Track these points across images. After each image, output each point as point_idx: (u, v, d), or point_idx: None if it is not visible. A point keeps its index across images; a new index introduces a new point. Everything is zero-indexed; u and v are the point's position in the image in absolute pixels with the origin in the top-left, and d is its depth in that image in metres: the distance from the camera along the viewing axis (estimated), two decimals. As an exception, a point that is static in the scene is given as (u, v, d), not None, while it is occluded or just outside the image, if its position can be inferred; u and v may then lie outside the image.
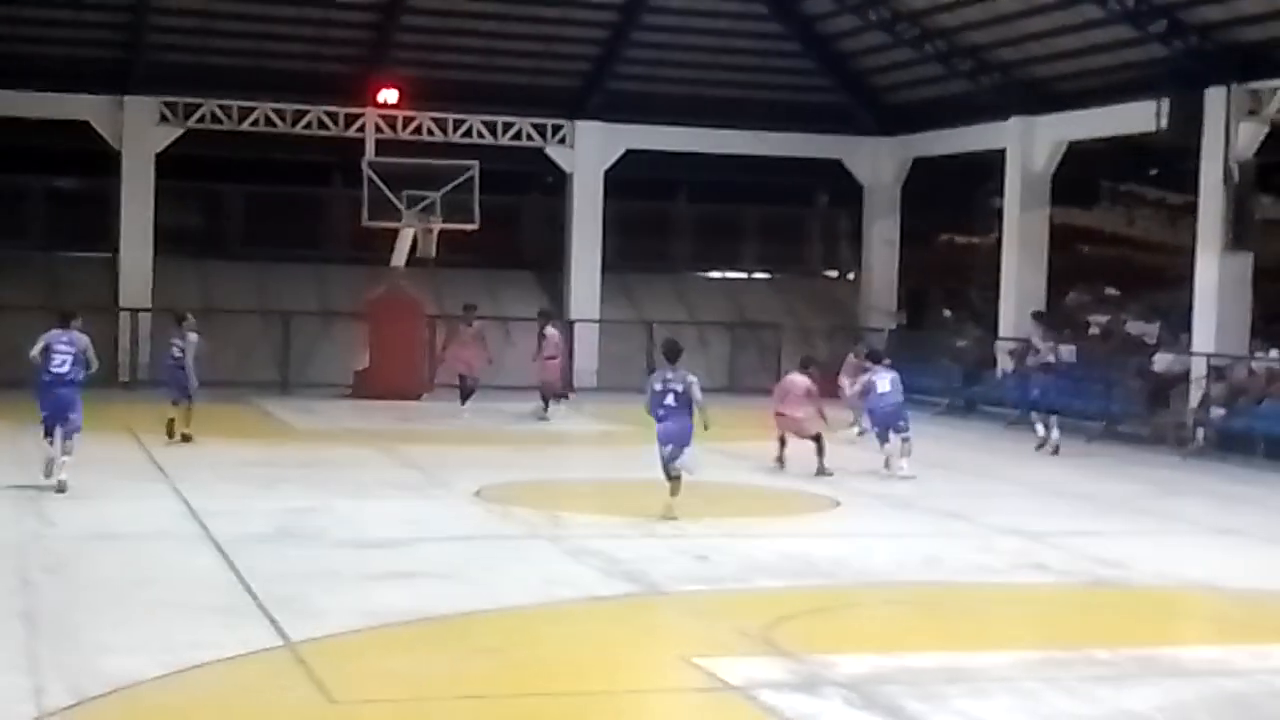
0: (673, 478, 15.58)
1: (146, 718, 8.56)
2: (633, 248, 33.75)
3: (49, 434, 16.21)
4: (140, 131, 29.72)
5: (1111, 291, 30.83)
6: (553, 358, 25.30)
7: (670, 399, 15.61)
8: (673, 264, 34.99)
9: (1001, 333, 28.97)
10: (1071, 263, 31.92)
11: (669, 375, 15.80)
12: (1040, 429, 22.99)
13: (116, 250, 30.01)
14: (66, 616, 10.57)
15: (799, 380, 19.94)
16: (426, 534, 14.37)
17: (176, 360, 20.78)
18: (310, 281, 31.35)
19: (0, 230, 31.18)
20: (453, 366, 25.94)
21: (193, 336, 20.83)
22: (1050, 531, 15.48)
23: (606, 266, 32.26)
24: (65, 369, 16.04)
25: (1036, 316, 25.58)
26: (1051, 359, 23.52)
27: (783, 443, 19.79)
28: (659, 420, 15.70)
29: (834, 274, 36.68)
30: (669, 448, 15.59)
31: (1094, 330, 28.65)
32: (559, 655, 10.12)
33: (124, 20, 29.11)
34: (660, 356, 16.64)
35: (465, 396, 25.08)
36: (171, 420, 20.53)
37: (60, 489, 15.74)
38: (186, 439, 20.41)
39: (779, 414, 19.83)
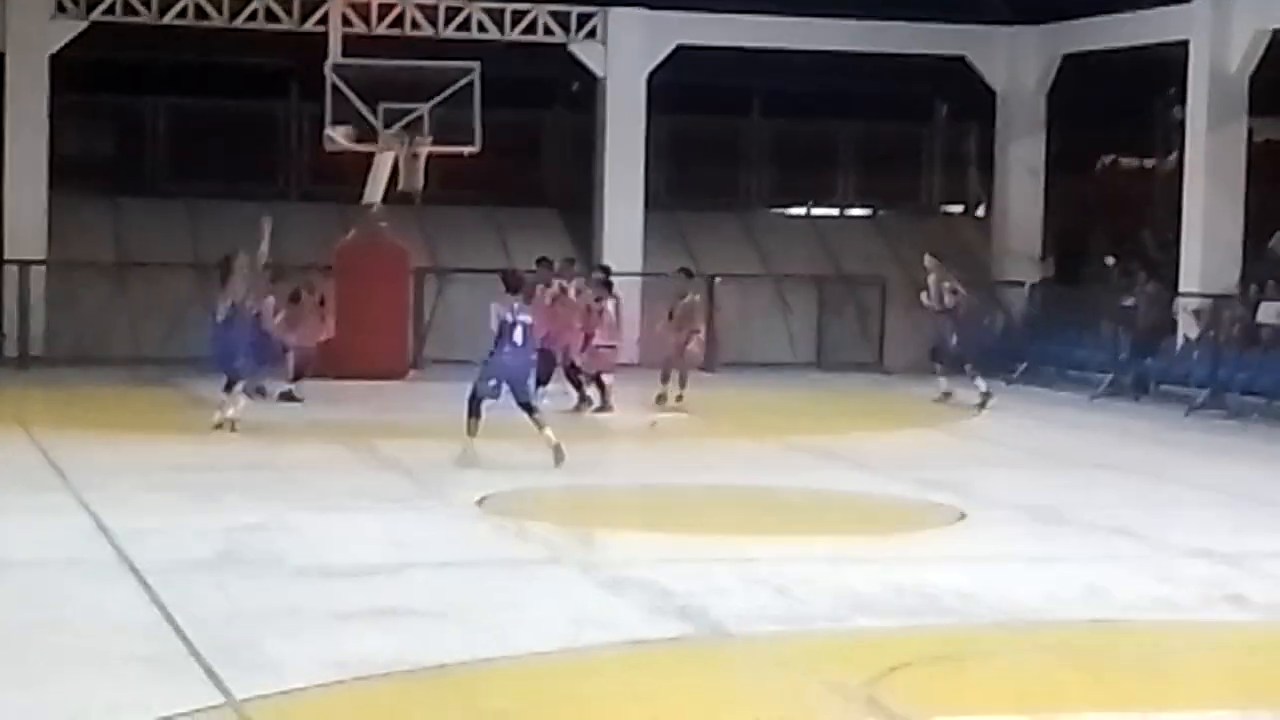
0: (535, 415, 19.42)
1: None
2: (687, 178, 33.79)
3: None
4: (28, 26, 29.91)
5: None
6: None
7: (519, 333, 19.21)
8: (742, 199, 35.00)
9: (1183, 288, 28.86)
10: (1278, 194, 31.75)
11: (516, 306, 19.44)
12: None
13: (-1, 185, 30.21)
14: (-61, 670, 10.67)
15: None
16: (414, 559, 14.43)
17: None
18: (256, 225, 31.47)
19: None
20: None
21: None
22: (1250, 553, 15.42)
23: (652, 203, 32.28)
24: None
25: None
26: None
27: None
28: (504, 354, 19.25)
29: (957, 211, 36.61)
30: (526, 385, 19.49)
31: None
32: (590, 718, 10.15)
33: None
34: (502, 286, 19.66)
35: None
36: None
37: None
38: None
39: None
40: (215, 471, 18.85)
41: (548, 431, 19.37)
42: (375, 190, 28.70)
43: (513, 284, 19.65)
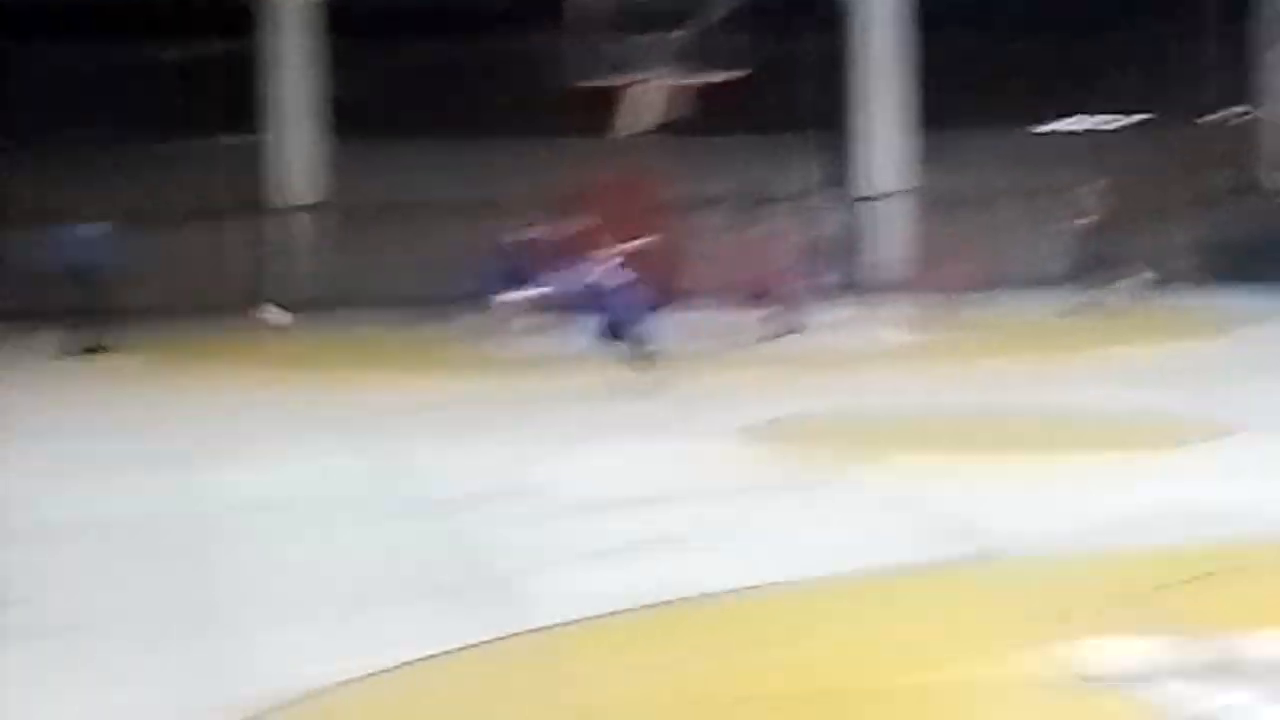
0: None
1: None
2: (950, 94, 33.36)
3: None
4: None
5: None
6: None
7: None
8: (1007, 114, 34.42)
9: None
10: None
11: None
12: None
13: (264, 134, 30.66)
14: (232, 611, 10.94)
15: None
16: (681, 489, 14.48)
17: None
18: (519, 161, 31.74)
19: (98, 115, 32.04)
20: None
21: None
22: None
23: (914, 122, 32.01)
24: None
25: None
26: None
27: None
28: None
29: (1228, 115, 35.78)
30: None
31: None
32: (865, 643, 10.10)
33: None
34: None
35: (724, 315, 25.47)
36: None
37: None
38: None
39: None
40: (479, 407, 19.10)
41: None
42: (631, 123, 28.78)
43: None
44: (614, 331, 20.49)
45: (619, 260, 21.09)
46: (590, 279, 20.86)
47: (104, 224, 24.10)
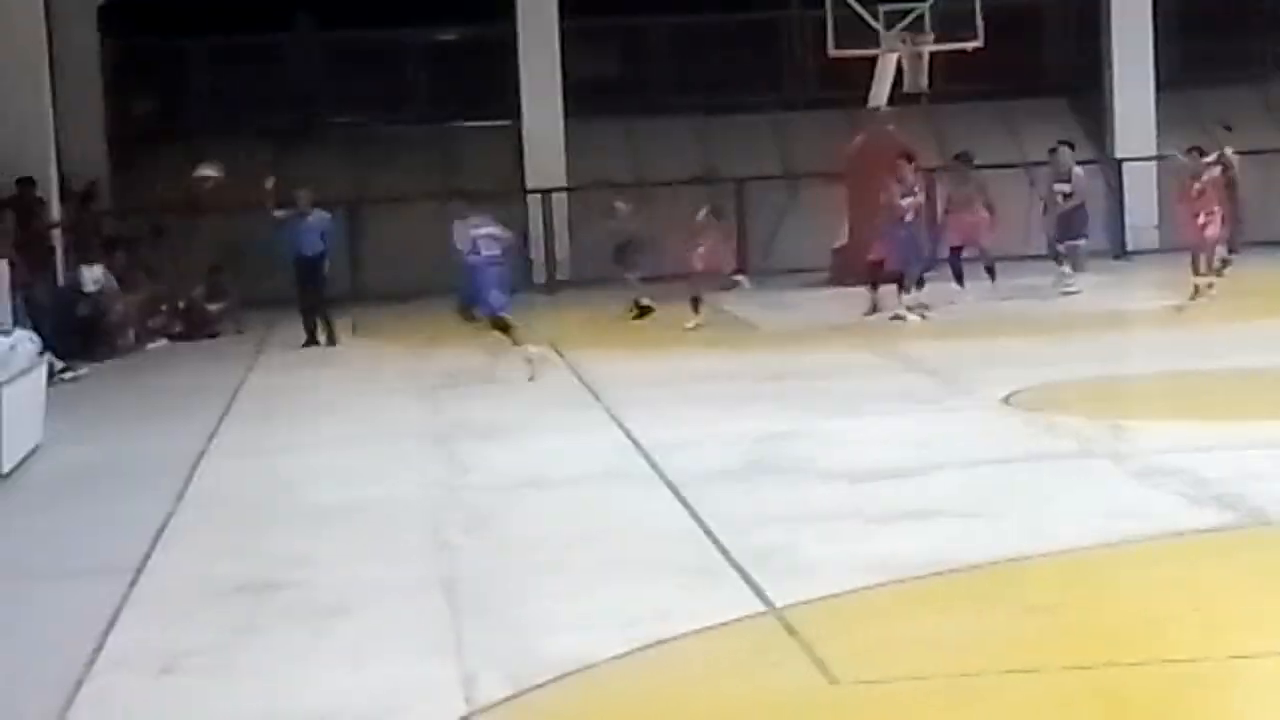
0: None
1: (604, 708, 8.89)
2: (1202, 50, 32.70)
3: None
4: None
5: None
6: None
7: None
8: (1259, 68, 33.64)
9: None
10: None
11: None
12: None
13: (519, 115, 31.04)
14: (495, 585, 11.10)
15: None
16: (943, 459, 14.39)
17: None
18: (767, 135, 31.74)
19: (373, 100, 32.76)
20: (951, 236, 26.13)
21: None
22: None
23: (1163, 81, 31.42)
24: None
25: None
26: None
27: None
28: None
29: None
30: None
31: None
32: (1134, 611, 10.01)
33: None
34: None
35: (959, 276, 25.47)
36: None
37: None
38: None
39: None
40: (739, 381, 19.16)
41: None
42: (880, 93, 28.63)
43: None
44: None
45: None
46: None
47: (323, 212, 24.16)
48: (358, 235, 29.03)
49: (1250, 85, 32.82)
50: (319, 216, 23.85)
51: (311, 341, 23.61)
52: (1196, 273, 23.58)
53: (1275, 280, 25.81)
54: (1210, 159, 25.32)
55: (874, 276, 23.93)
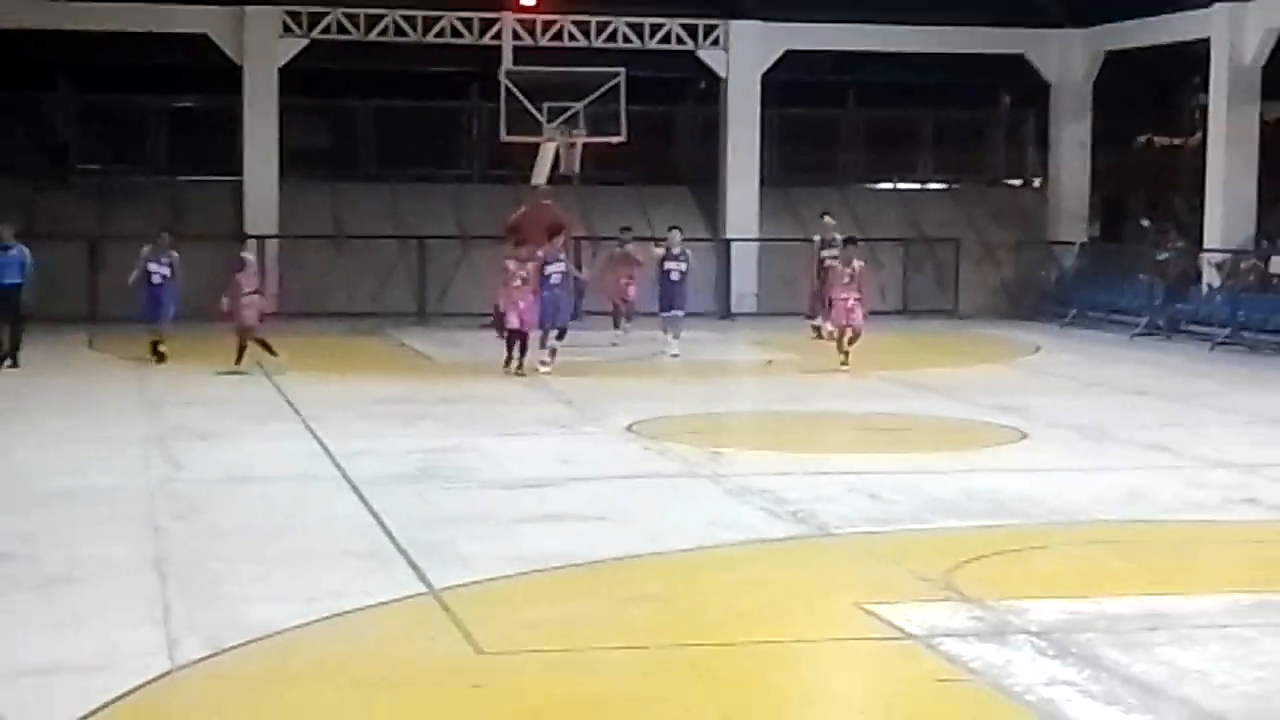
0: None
1: (286, 668, 8.76)
2: (795, 159, 33.56)
3: None
4: (263, 44, 30.13)
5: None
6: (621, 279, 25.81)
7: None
8: (840, 175, 34.70)
9: (1207, 244, 28.41)
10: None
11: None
12: None
13: (241, 174, 30.51)
14: (201, 565, 10.86)
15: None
16: (578, 473, 14.49)
17: (164, 280, 22.20)
18: (447, 203, 31.65)
19: (119, 153, 31.92)
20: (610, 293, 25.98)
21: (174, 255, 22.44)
22: (1265, 463, 15.20)
23: (767, 180, 32.11)
24: None
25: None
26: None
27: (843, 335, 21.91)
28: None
29: (1018, 183, 36.16)
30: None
31: (1314, 240, 27.98)
32: (723, 602, 10.18)
33: (242, -77, 29.50)
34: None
35: (617, 322, 25.29)
36: (156, 343, 22.13)
37: None
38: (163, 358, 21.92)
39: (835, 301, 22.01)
40: (415, 403, 18.99)
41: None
42: (541, 173, 28.73)
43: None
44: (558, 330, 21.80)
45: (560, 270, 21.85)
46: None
47: (24, 246, 22.03)
48: (98, 267, 28.12)
49: (833, 186, 33.75)
50: (20, 250, 22.02)
51: (4, 360, 21.78)
52: (841, 349, 22.09)
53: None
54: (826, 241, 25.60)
55: (514, 339, 21.34)
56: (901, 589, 10.37)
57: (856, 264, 22.42)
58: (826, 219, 27.02)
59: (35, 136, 32.18)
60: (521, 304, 21.12)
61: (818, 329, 25.36)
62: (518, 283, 21.19)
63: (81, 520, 12.29)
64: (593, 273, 26.49)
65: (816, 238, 26.71)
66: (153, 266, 22.19)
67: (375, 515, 12.43)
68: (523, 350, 21.22)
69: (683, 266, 24.64)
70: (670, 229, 25.65)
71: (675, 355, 23.75)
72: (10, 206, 26.32)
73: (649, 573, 10.86)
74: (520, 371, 21.10)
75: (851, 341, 22.03)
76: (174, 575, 10.53)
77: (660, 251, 24.84)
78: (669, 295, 24.46)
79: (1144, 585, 10.62)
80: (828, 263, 25.39)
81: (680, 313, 24.33)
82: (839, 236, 25.82)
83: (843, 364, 21.85)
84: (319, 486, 13.81)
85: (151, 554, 11.10)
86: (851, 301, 22.03)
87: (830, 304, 22.81)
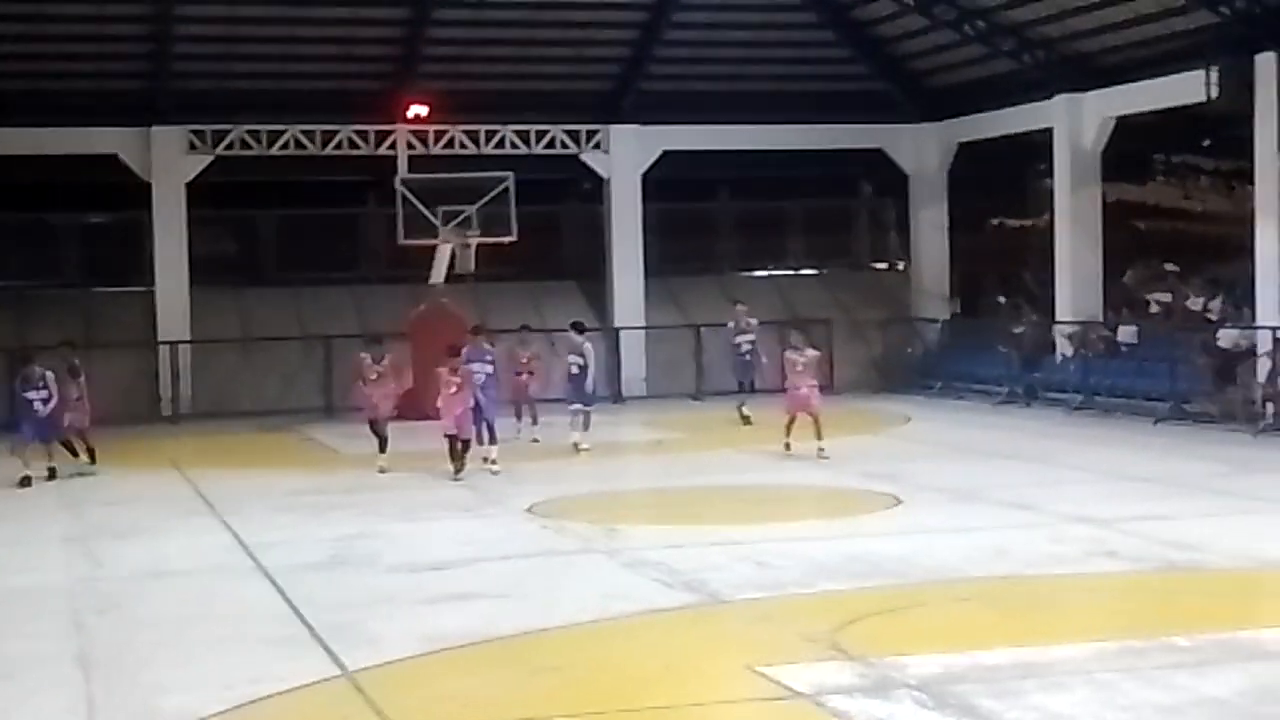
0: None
1: (207, 755, 8.61)
2: (676, 250, 33.71)
3: None
4: (169, 162, 29.94)
5: (1170, 267, 30.62)
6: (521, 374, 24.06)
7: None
8: (718, 264, 34.88)
9: (1059, 316, 28.86)
10: (1128, 240, 31.74)
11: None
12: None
13: (153, 284, 30.23)
14: (122, 657, 10.68)
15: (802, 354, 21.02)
16: (482, 554, 14.40)
17: (43, 404, 20.38)
18: (349, 304, 31.47)
19: (34, 268, 31.48)
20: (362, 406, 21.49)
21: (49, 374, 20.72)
22: (1121, 517, 15.39)
23: (650, 271, 32.25)
24: None
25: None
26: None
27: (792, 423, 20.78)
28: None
29: (883, 266, 36.56)
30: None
31: (1155, 308, 28.48)
32: (622, 670, 10.14)
33: (147, 50, 29.33)
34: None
35: (381, 443, 20.87)
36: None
37: None
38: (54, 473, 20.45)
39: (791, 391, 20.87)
40: (324, 494, 18.81)
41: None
42: (438, 273, 28.71)
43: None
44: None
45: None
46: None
47: None
48: (14, 376, 27.64)
49: (711, 275, 33.97)
50: None
51: None
52: (787, 431, 20.91)
53: (725, 418, 26.44)
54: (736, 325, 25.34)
55: (454, 446, 19.73)
56: (789, 650, 10.38)
57: (810, 352, 21.33)
58: (739, 306, 26.47)
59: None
60: (458, 410, 19.65)
61: (745, 416, 24.74)
62: (453, 389, 19.73)
63: (5, 620, 12.03)
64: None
65: (730, 323, 26.33)
66: (30, 395, 20.36)
67: (289, 602, 12.28)
68: (464, 452, 19.79)
69: (579, 360, 22.92)
70: (570, 325, 24.07)
71: (585, 449, 22.22)
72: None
73: (550, 645, 10.80)
74: (460, 477, 19.44)
75: (817, 426, 20.53)
76: (96, 668, 10.34)
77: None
78: (573, 387, 22.78)
79: (1014, 636, 10.70)
80: (743, 348, 25.50)
81: (587, 407, 22.73)
82: (754, 321, 25.87)
83: (821, 451, 20.33)
84: (234, 577, 13.64)
85: (74, 649, 10.90)
86: (804, 389, 20.80)
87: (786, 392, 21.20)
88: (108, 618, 12.07)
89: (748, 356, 25.62)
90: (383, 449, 20.66)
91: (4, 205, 31.32)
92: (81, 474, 20.61)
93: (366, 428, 20.98)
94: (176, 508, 17.94)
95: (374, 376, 20.79)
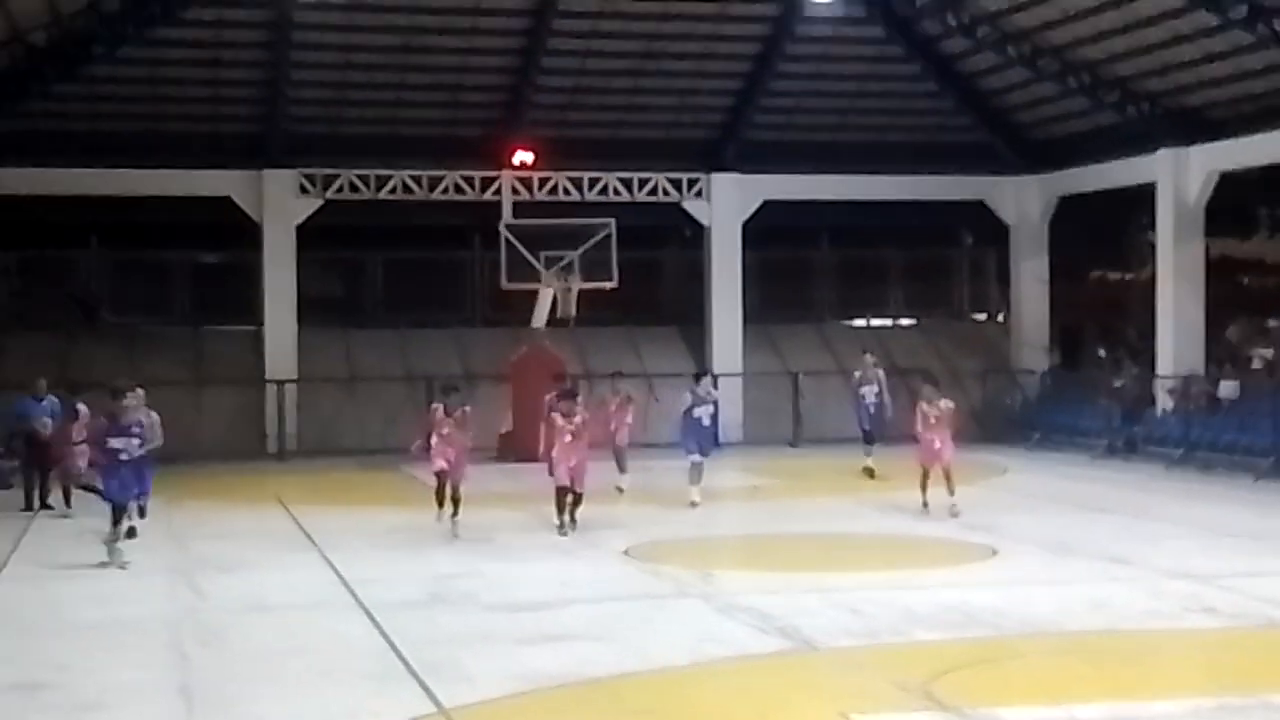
0: None
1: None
2: (775, 297, 33.74)
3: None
4: (280, 204, 30.43)
5: (1274, 323, 30.17)
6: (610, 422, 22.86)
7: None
8: (816, 312, 34.88)
9: (1160, 370, 28.50)
10: (1231, 295, 31.33)
11: None
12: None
13: (261, 322, 30.66)
14: (223, 688, 10.77)
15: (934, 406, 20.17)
16: (576, 595, 14.41)
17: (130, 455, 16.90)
18: (452, 345, 31.74)
19: (146, 306, 32.08)
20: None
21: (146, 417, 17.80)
22: (1220, 573, 15.14)
23: (749, 318, 32.28)
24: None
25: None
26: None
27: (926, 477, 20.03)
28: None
29: (983, 316, 36.34)
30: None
31: (1257, 364, 28.05)
32: (713, 715, 10.09)
33: (260, 95, 29.86)
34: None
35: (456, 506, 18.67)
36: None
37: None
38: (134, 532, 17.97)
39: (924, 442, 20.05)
40: (423, 532, 18.88)
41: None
42: (539, 317, 28.90)
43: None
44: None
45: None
46: None
47: (54, 397, 21.23)
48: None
49: (809, 323, 33.93)
50: (49, 401, 21.28)
51: (28, 508, 21.02)
52: (923, 488, 20.04)
53: (825, 467, 26.39)
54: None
55: (563, 498, 18.50)
56: (883, 699, 10.28)
57: (944, 404, 20.29)
58: (867, 356, 26.07)
59: (69, 292, 32.31)
60: (572, 461, 18.35)
61: (869, 469, 24.24)
62: (568, 438, 18.36)
63: (113, 649, 12.19)
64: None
65: (857, 373, 26.07)
66: (116, 443, 16.76)
67: (387, 638, 12.35)
68: (574, 506, 18.57)
69: (710, 410, 21.93)
70: (695, 374, 23.41)
71: (695, 503, 21.07)
72: (45, 359, 26.40)
73: (643, 688, 10.77)
74: (565, 533, 18.31)
75: (949, 480, 19.74)
76: (198, 700, 10.44)
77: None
78: (699, 438, 21.47)
79: (1110, 691, 10.54)
80: (868, 398, 25.14)
81: (701, 457, 21.38)
82: (880, 372, 25.62)
83: (953, 507, 19.52)
84: (334, 612, 13.72)
85: (177, 681, 11.00)
86: (938, 442, 19.97)
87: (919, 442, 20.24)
88: (210, 649, 12.19)
89: (872, 409, 25.39)
90: (456, 511, 18.38)
91: (121, 244, 31.97)
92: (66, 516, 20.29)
93: (434, 480, 18.65)
94: (279, 543, 18.12)
95: (445, 431, 18.42)
